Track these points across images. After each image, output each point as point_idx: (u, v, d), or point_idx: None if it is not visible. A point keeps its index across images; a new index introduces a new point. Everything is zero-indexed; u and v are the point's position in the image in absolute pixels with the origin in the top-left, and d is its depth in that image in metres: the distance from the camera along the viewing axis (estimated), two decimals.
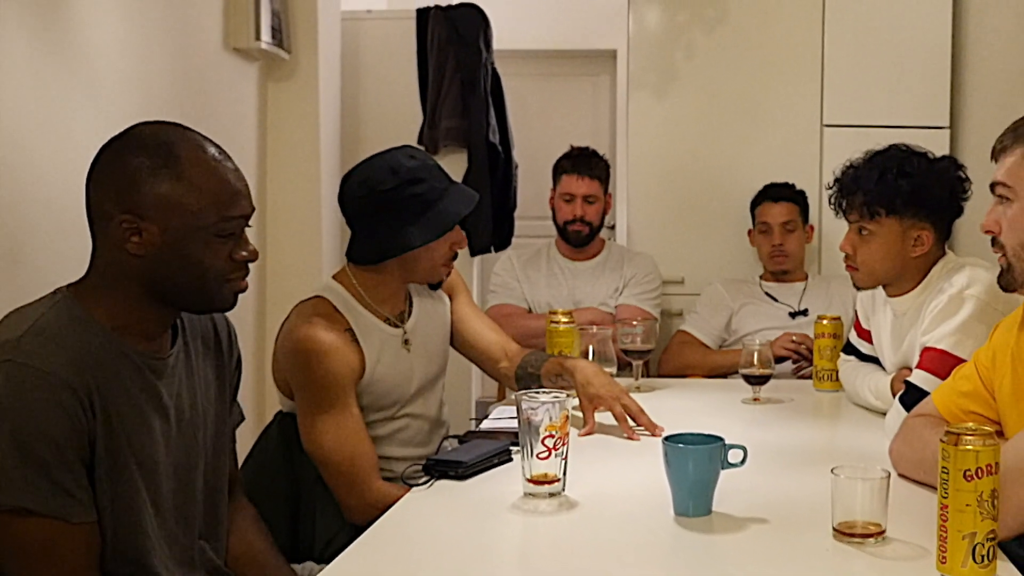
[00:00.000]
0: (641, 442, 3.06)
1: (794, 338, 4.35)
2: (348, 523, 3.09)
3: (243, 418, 2.64)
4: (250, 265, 2.27)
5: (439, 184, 3.17)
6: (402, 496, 2.74)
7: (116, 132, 2.19)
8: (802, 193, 4.97)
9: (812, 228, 5.04)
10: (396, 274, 3.22)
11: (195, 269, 2.16)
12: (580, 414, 3.17)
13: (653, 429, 3.12)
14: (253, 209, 2.26)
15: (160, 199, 2.10)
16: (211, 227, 2.16)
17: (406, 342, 3.27)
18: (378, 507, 2.91)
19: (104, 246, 2.15)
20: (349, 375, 3.06)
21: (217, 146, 2.23)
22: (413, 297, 3.37)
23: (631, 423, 3.14)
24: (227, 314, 2.50)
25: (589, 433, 3.13)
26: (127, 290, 2.15)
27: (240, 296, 2.30)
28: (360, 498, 3.02)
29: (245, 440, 3.18)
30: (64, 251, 3.28)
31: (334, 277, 3.26)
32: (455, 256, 3.30)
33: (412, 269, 3.22)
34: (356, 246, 3.21)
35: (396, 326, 3.26)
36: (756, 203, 5.00)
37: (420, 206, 3.11)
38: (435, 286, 3.44)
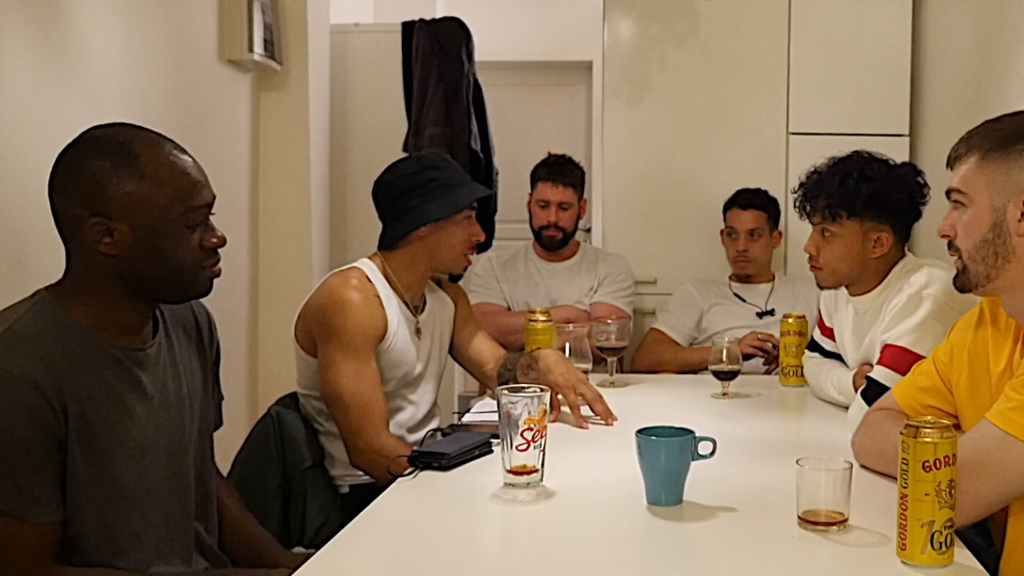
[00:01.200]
0: (600, 432, 3.08)
1: (760, 336, 4.37)
2: (337, 510, 3.11)
3: (220, 423, 2.63)
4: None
5: (457, 175, 3.41)
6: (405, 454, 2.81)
7: None
8: (773, 200, 4.96)
9: (780, 234, 5.03)
10: (421, 257, 3.38)
11: (169, 261, 2.16)
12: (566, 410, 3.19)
13: (607, 417, 3.17)
14: (214, 196, 2.25)
15: (127, 198, 2.08)
16: (179, 219, 2.15)
17: (418, 331, 3.40)
18: (383, 454, 3.01)
19: (77, 249, 2.13)
20: (374, 332, 3.20)
21: (172, 141, 2.20)
22: (427, 296, 3.50)
23: (586, 411, 3.18)
24: (220, 310, 2.49)
25: (554, 420, 3.14)
26: (104, 289, 2.14)
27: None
28: (368, 442, 3.09)
29: (238, 433, 3.18)
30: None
31: (367, 258, 3.41)
32: (475, 250, 3.47)
33: (435, 253, 3.37)
34: (386, 232, 3.39)
35: (413, 314, 3.39)
36: (727, 207, 4.99)
37: (439, 188, 3.32)
38: (455, 278, 3.61)
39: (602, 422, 3.15)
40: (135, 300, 2.18)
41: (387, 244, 3.39)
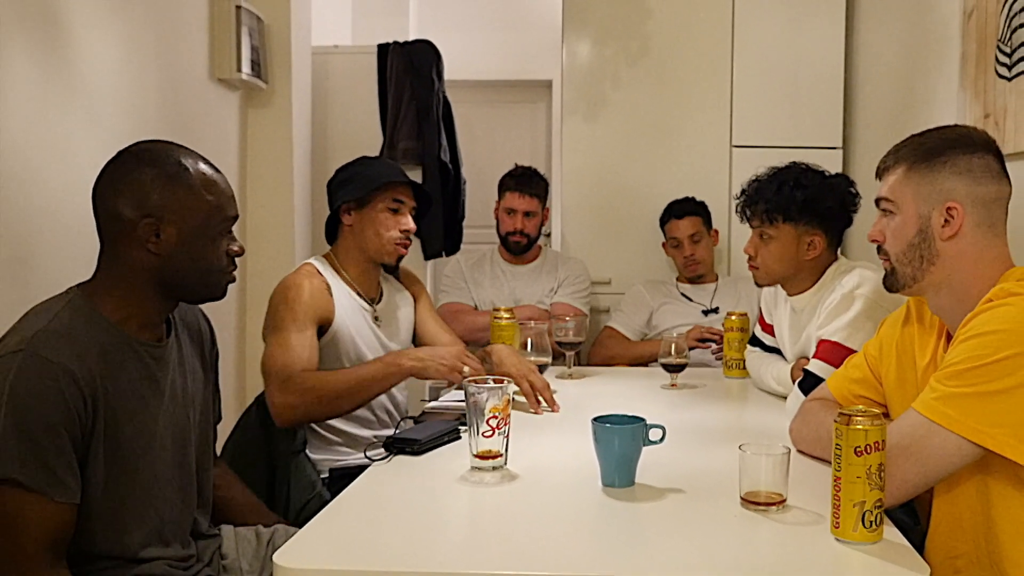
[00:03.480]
0: (559, 420, 3.08)
1: (704, 330, 4.39)
2: (318, 491, 3.10)
3: (220, 418, 2.65)
4: (236, 261, 2.30)
5: (383, 169, 3.39)
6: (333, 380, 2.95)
7: (112, 152, 2.20)
8: (702, 204, 4.99)
9: (716, 232, 5.05)
10: (353, 246, 3.38)
11: (202, 264, 2.21)
12: (521, 399, 3.18)
13: (552, 405, 3.17)
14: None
15: (176, 204, 2.14)
16: (215, 227, 2.22)
17: (376, 319, 3.39)
18: (312, 390, 3.01)
19: (120, 247, 2.16)
20: (316, 309, 3.17)
21: (205, 158, 2.26)
22: (383, 288, 3.49)
23: (538, 399, 3.17)
24: (213, 309, 2.51)
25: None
26: (136, 286, 2.17)
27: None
28: (297, 392, 3.02)
29: (228, 420, 3.18)
30: (67, 254, 3.24)
31: (319, 256, 3.42)
32: (408, 240, 3.42)
33: (361, 240, 3.37)
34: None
35: (369, 304, 3.39)
36: (664, 221, 5.01)
37: (358, 178, 3.34)
38: (391, 270, 3.57)
39: (550, 410, 3.16)
40: (161, 298, 2.22)
41: (327, 237, 3.44)
